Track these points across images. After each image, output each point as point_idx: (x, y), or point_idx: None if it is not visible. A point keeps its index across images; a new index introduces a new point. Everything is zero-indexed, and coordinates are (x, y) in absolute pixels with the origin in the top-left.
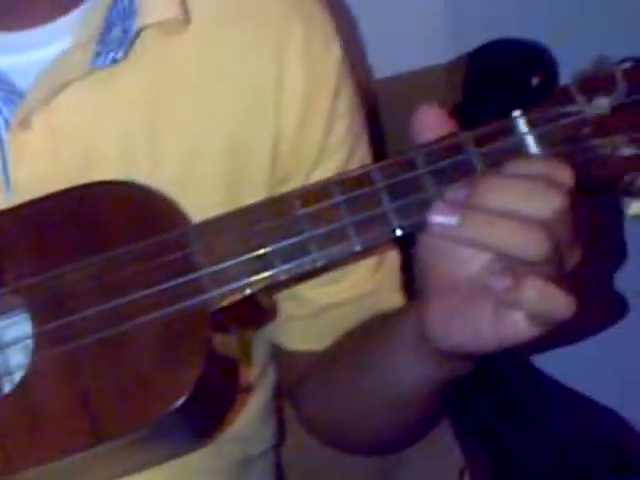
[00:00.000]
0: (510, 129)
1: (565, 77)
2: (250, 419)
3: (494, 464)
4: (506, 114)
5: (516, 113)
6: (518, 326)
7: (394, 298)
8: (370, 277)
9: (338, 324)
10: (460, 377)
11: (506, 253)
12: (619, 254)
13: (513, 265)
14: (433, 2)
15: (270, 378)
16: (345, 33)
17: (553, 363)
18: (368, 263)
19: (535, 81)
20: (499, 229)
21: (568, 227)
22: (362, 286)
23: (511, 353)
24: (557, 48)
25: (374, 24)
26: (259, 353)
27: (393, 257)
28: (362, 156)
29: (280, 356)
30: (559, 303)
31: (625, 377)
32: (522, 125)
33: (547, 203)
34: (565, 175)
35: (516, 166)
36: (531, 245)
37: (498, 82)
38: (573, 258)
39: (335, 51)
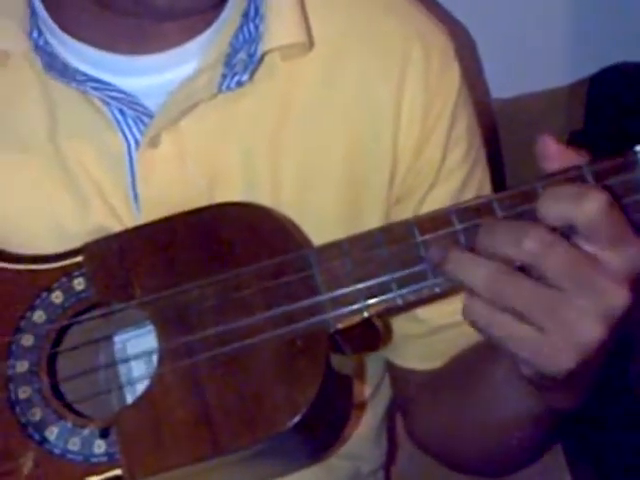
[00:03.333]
0: (632, 164)
1: None
2: (362, 436)
3: None
4: (626, 139)
5: (639, 148)
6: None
7: None
8: None
9: (452, 344)
10: (562, 411)
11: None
12: None
13: None
14: (555, 26)
15: (383, 395)
16: (466, 53)
17: None
18: None
19: None
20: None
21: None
22: None
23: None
24: None
25: (497, 44)
26: (373, 370)
27: None
28: (480, 179)
29: (394, 372)
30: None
31: None
32: None
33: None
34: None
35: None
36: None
37: (619, 106)
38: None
39: (454, 75)
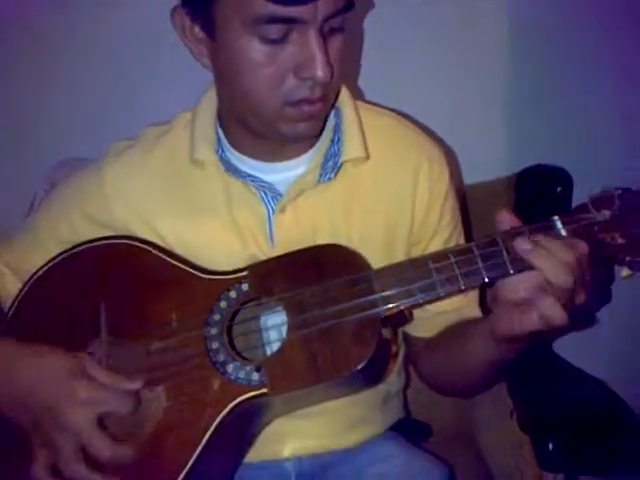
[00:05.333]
0: (551, 226)
1: (577, 187)
2: (393, 372)
3: (530, 408)
4: (546, 212)
5: (555, 217)
6: (534, 322)
7: (476, 310)
8: (464, 297)
9: (443, 322)
10: (509, 358)
11: (545, 275)
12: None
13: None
14: (499, 133)
15: (402, 350)
16: (449, 159)
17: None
18: None
19: (559, 189)
20: (547, 261)
21: (585, 274)
22: (459, 301)
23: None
24: (573, 169)
25: (460, 149)
26: (400, 336)
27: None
28: (459, 234)
29: (408, 338)
30: (558, 316)
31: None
32: (559, 224)
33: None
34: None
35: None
36: (561, 275)
37: (536, 190)
38: (581, 295)
39: (445, 175)
